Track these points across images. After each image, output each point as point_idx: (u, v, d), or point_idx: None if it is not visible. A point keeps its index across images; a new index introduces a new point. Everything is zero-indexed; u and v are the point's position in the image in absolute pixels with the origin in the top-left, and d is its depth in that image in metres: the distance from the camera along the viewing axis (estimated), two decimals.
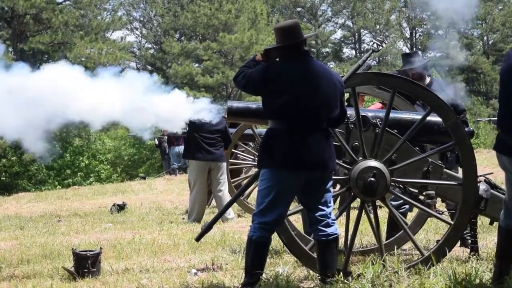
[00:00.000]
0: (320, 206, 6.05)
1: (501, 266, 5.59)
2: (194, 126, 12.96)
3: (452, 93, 8.54)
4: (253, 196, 13.24)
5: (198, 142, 12.81)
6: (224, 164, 13.05)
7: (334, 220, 6.11)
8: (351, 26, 54.19)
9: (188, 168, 13.35)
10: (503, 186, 7.41)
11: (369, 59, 6.95)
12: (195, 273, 7.31)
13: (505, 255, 5.58)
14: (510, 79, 5.46)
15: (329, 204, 6.09)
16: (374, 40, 7.11)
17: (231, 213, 12.90)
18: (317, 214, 6.05)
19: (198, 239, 7.19)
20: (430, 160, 6.92)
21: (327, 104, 5.96)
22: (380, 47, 7.04)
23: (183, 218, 13.42)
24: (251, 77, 6.07)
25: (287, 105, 5.89)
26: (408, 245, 8.03)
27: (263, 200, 6.00)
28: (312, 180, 5.98)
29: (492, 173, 8.23)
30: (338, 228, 6.19)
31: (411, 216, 8.87)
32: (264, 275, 6.24)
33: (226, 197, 12.93)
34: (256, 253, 6.06)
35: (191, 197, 13.01)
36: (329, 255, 6.05)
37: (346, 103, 9.56)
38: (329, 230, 6.04)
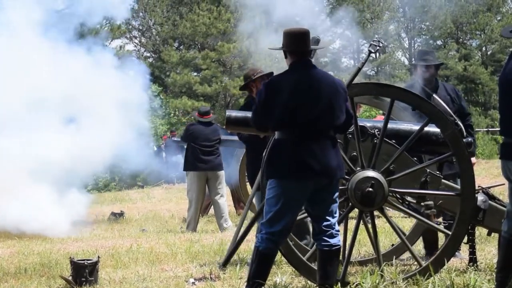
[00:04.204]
0: (326, 216, 6.05)
1: (503, 277, 5.55)
2: (191, 136, 13.01)
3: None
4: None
5: (195, 151, 12.85)
6: (222, 172, 13.08)
7: (338, 231, 6.10)
8: (350, 36, 54.26)
9: (187, 178, 13.40)
10: (500, 197, 7.44)
11: (367, 61, 6.99)
12: (193, 283, 7.30)
13: (507, 266, 5.54)
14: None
15: (334, 215, 6.08)
16: (371, 42, 7.15)
17: (228, 222, 12.92)
18: (322, 224, 6.04)
19: (225, 264, 7.05)
20: (428, 170, 6.93)
21: (331, 111, 5.95)
22: (377, 48, 7.07)
23: (181, 227, 13.43)
24: (256, 110, 6.09)
25: (291, 114, 5.89)
26: (406, 255, 8.03)
27: (271, 209, 6.00)
28: (319, 189, 5.97)
29: (504, 184, 8.23)
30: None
31: (408, 227, 8.88)
32: (244, 286, 6.25)
33: (224, 205, 12.98)
34: (261, 263, 6.06)
35: (189, 207, 13.05)
36: (330, 266, 6.05)
37: None
38: (332, 241, 6.04)
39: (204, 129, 13.00)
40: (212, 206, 13.52)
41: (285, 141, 5.95)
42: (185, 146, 13.55)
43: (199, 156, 12.84)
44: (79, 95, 13.90)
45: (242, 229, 7.80)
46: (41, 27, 14.32)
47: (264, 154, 6.68)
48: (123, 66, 15.85)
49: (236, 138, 14.55)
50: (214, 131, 13.11)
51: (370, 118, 28.00)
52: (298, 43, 6.07)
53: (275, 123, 5.99)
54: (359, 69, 6.90)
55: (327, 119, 5.95)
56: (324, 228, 6.04)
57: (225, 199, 13.11)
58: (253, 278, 6.05)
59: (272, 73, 8.32)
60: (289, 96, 5.91)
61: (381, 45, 7.08)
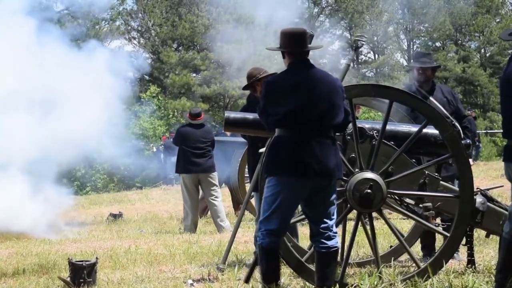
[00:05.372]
0: (324, 219, 6.04)
1: (502, 278, 5.54)
2: (181, 139, 12.99)
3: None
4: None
5: (186, 154, 12.85)
6: (215, 174, 13.05)
7: (335, 233, 6.10)
8: (349, 37, 54.26)
9: (180, 180, 13.43)
10: (499, 199, 7.43)
11: (354, 56, 7.06)
12: (191, 284, 7.30)
13: (507, 267, 5.53)
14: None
15: (332, 217, 6.08)
16: (355, 38, 7.19)
17: (225, 221, 12.90)
18: (319, 226, 6.04)
19: (247, 280, 6.83)
20: (426, 172, 6.93)
21: (330, 110, 5.95)
22: (362, 42, 7.09)
23: (180, 228, 13.42)
24: (260, 110, 6.10)
25: (291, 114, 5.89)
26: (404, 257, 8.03)
27: (269, 207, 6.01)
28: (317, 189, 5.97)
29: (502, 185, 8.28)
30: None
31: (407, 228, 8.87)
32: (260, 286, 6.23)
33: (220, 205, 12.97)
34: (269, 260, 6.07)
35: (184, 209, 13.08)
36: (328, 267, 6.05)
37: None
38: (330, 243, 6.04)
39: (195, 131, 12.97)
40: (208, 207, 13.50)
41: (285, 139, 5.96)
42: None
43: (190, 159, 12.82)
44: (51, 84, 13.60)
45: (240, 230, 7.78)
46: (17, 15, 14.12)
47: (264, 152, 6.68)
48: (103, 56, 15.43)
49: (229, 139, 14.61)
50: (206, 132, 13.08)
51: (369, 119, 28.01)
52: (295, 44, 6.07)
53: (276, 122, 5.99)
54: (348, 66, 6.93)
55: (326, 118, 5.95)
56: (322, 230, 6.04)
57: (220, 200, 13.09)
58: (267, 275, 6.05)
59: (276, 73, 8.31)
60: (289, 96, 5.91)
61: (364, 39, 7.11)
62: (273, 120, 6.00)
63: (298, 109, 5.90)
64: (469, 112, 28.08)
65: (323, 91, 5.96)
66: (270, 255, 6.08)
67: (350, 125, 6.69)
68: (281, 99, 5.93)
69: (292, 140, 5.92)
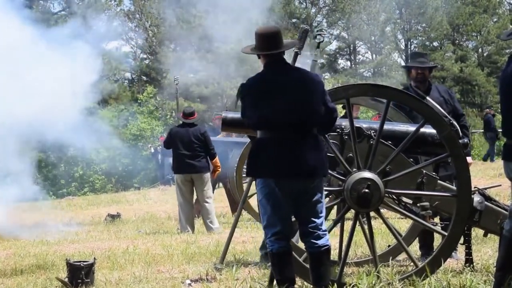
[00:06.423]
0: (312, 218, 5.99)
1: (501, 276, 5.54)
2: (173, 140, 12.98)
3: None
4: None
5: (179, 154, 12.86)
6: (207, 174, 13.02)
7: (324, 231, 6.04)
8: (346, 37, 54.22)
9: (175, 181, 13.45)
10: (497, 198, 7.43)
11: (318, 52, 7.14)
12: (189, 284, 7.30)
13: (506, 265, 5.53)
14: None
15: (320, 215, 6.01)
16: (316, 34, 7.23)
17: (214, 223, 12.90)
18: (308, 226, 5.99)
19: (270, 282, 6.62)
20: (424, 171, 6.93)
21: (311, 107, 5.89)
22: (324, 36, 7.14)
23: (178, 229, 13.42)
24: (242, 112, 6.08)
25: (270, 114, 5.84)
26: (402, 256, 8.03)
27: (265, 210, 5.98)
28: (303, 189, 5.92)
29: (500, 185, 8.29)
30: (329, 239, 6.12)
31: (405, 228, 8.86)
32: (258, 286, 6.23)
33: (211, 207, 13.00)
34: (282, 263, 6.00)
35: (178, 210, 13.10)
36: (321, 267, 6.00)
37: (342, 114, 9.61)
38: (320, 242, 5.98)
39: (186, 130, 12.93)
40: (200, 208, 13.51)
41: (266, 141, 5.91)
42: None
43: (183, 159, 12.81)
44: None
45: (238, 230, 7.77)
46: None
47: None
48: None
49: (226, 139, 14.60)
50: (197, 132, 13.03)
51: (366, 119, 27.98)
52: (268, 44, 5.99)
53: (255, 124, 5.97)
54: (316, 62, 6.97)
55: (307, 117, 5.89)
56: (311, 230, 5.98)
57: (211, 201, 13.09)
58: (282, 283, 5.99)
59: None
60: (266, 98, 5.86)
61: (325, 33, 7.15)
62: (252, 122, 5.98)
63: (277, 110, 5.83)
64: (487, 110, 27.87)
65: (302, 89, 5.89)
66: (282, 259, 5.99)
67: (348, 125, 6.69)
68: (259, 101, 5.89)
69: (273, 141, 5.87)
